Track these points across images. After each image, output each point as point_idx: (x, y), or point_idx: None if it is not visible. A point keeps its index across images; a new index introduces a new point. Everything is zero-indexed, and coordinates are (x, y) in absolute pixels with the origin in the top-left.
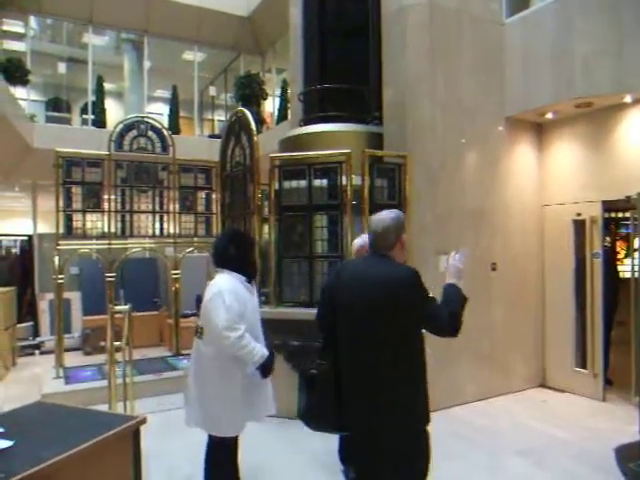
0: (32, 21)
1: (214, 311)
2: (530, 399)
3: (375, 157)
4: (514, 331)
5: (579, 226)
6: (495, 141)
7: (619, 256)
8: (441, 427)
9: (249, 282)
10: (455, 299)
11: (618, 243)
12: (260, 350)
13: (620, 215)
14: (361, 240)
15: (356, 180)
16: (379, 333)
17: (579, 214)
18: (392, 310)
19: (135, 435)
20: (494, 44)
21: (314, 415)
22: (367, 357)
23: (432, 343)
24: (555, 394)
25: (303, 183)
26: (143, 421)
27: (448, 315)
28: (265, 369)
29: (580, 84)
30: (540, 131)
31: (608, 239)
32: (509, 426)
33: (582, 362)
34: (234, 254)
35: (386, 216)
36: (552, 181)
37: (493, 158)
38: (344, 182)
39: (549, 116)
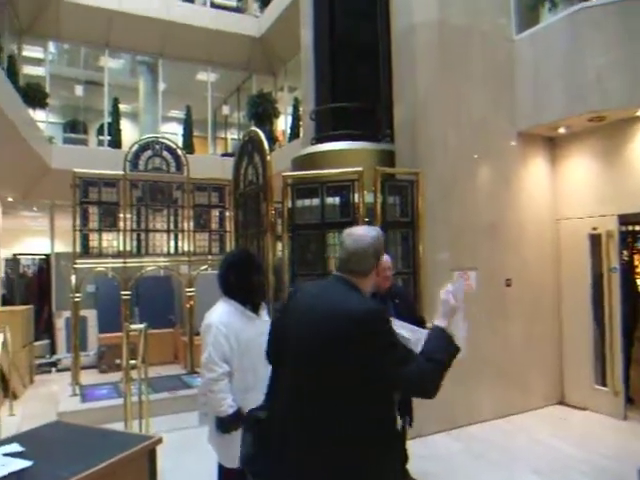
0: (51, 46)
1: (202, 344)
2: (549, 417)
3: (387, 174)
4: (531, 347)
5: (595, 240)
6: (507, 156)
7: (637, 270)
8: (458, 446)
9: (254, 309)
10: (441, 350)
11: (636, 257)
12: (227, 404)
13: (638, 228)
14: None
15: (368, 197)
16: (321, 380)
17: (595, 228)
18: (341, 354)
19: (151, 455)
20: (504, 60)
21: (256, 465)
22: (304, 408)
23: None
24: (574, 412)
25: (316, 201)
26: (159, 441)
27: (422, 371)
28: (222, 426)
29: (593, 98)
30: (553, 145)
31: (625, 253)
32: (527, 444)
33: (602, 379)
34: (234, 281)
35: (366, 234)
36: (566, 195)
37: (506, 173)
38: (356, 200)
39: (561, 130)
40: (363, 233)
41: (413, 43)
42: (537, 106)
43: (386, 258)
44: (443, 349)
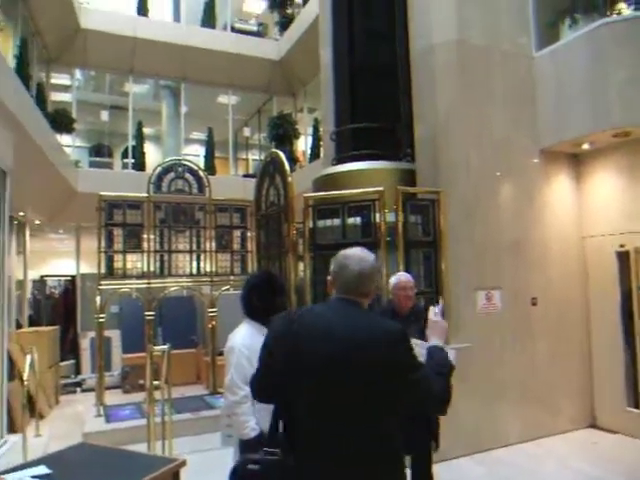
0: (77, 73)
1: (226, 366)
2: (579, 440)
3: (408, 194)
4: (559, 368)
5: (623, 257)
6: (530, 174)
7: None
8: (482, 470)
9: None
10: (444, 365)
11: None
12: (250, 427)
13: None
14: (395, 279)
15: (390, 217)
16: (364, 402)
17: (622, 245)
18: (379, 374)
19: (175, 477)
20: (525, 77)
21: None
22: (347, 432)
23: (472, 377)
24: (606, 435)
25: (337, 221)
26: (183, 464)
27: (436, 385)
28: (246, 449)
29: (617, 113)
30: (577, 162)
31: None
32: (555, 469)
33: (634, 401)
34: (256, 303)
35: (366, 255)
36: (592, 212)
37: (529, 191)
38: (378, 219)
39: (585, 147)
40: (365, 255)
41: (432, 63)
42: (560, 123)
43: (406, 277)
44: (444, 365)
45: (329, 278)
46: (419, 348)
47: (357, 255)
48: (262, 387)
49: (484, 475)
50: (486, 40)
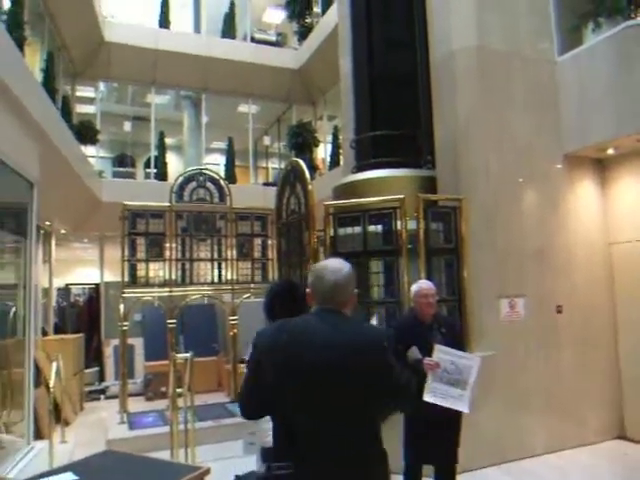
0: (101, 85)
1: None
2: (607, 452)
3: (429, 201)
4: (586, 377)
5: None
6: (553, 180)
7: None
8: None
9: None
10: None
11: None
12: (271, 436)
13: None
14: (416, 286)
15: (411, 224)
16: (356, 406)
17: None
18: (369, 379)
19: None
20: (547, 82)
21: None
22: (343, 433)
23: (496, 386)
24: (636, 447)
25: (358, 229)
26: (207, 472)
27: (413, 386)
28: (264, 456)
29: None
30: (601, 167)
31: None
32: None
33: None
34: (278, 311)
35: (343, 265)
36: (618, 218)
37: (552, 197)
38: (399, 227)
39: (610, 152)
40: (340, 266)
41: (452, 69)
42: (583, 128)
43: (427, 284)
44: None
45: (308, 290)
46: (453, 357)
47: (332, 266)
48: (252, 405)
49: None
50: (507, 45)
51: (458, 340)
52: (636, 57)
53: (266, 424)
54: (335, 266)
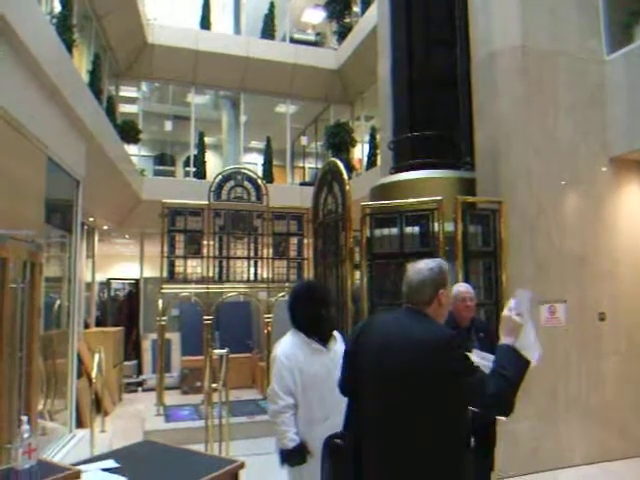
0: (143, 85)
1: (271, 374)
2: None
3: (468, 203)
4: (629, 388)
5: None
6: (598, 183)
7: None
8: None
9: (322, 341)
10: (510, 365)
11: None
12: (288, 437)
13: None
14: (454, 289)
15: (449, 227)
16: (406, 399)
17: None
18: (422, 375)
19: (234, 479)
20: (593, 82)
21: None
22: (392, 430)
23: (534, 393)
24: None
25: (394, 230)
26: (242, 465)
27: (498, 388)
28: (284, 459)
29: None
30: None
31: None
32: None
33: None
34: (300, 313)
35: (424, 267)
36: None
37: (596, 201)
38: (436, 229)
39: None
40: (422, 266)
41: (494, 70)
42: (632, 129)
43: (467, 288)
44: (513, 365)
45: None
46: (478, 358)
47: (414, 268)
48: (340, 386)
49: None
50: (552, 44)
51: (495, 345)
52: None
53: (283, 426)
54: (420, 266)
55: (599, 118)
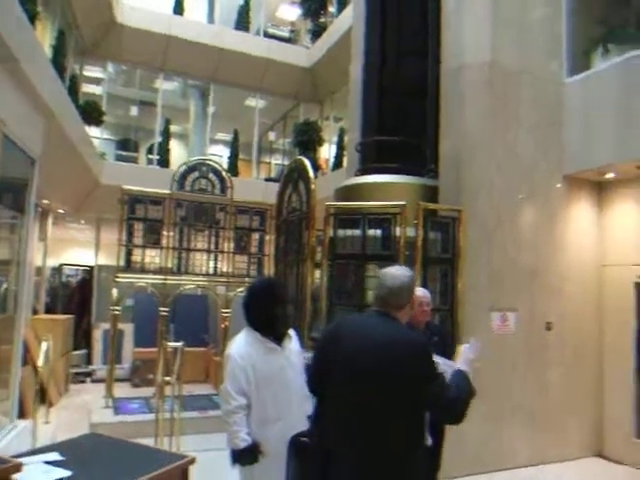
0: (109, 66)
1: (225, 373)
2: (585, 469)
3: (430, 210)
4: (570, 395)
5: None
6: (552, 199)
7: None
8: None
9: (277, 340)
10: (463, 385)
11: None
12: (240, 437)
13: None
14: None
15: (410, 232)
16: (379, 400)
17: None
18: (397, 378)
19: (184, 474)
20: (554, 103)
21: None
22: (361, 425)
23: (481, 398)
24: (612, 466)
25: (357, 232)
26: (192, 461)
27: (457, 395)
28: (235, 459)
29: None
30: (600, 190)
31: None
32: None
33: None
34: (256, 311)
35: (402, 274)
36: (612, 241)
37: (550, 216)
38: (398, 233)
39: (609, 176)
40: (400, 272)
41: (463, 82)
42: (586, 150)
43: (424, 293)
44: (466, 386)
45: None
46: (444, 366)
47: (392, 274)
48: (309, 384)
49: None
50: (518, 63)
51: (449, 350)
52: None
53: (235, 426)
54: (394, 273)
55: (556, 137)
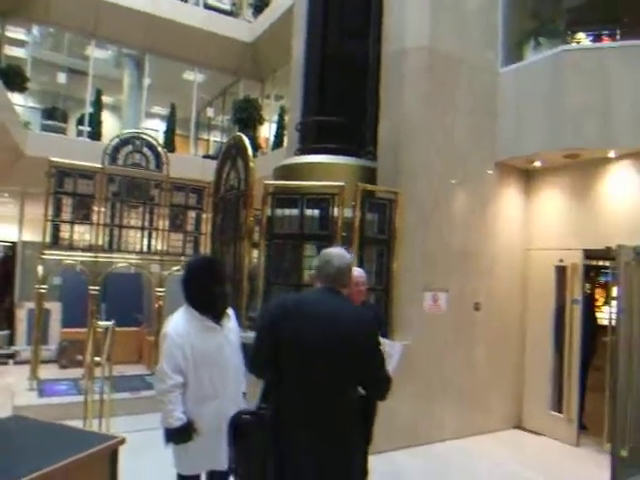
0: (35, 29)
1: (159, 352)
2: (507, 440)
3: (367, 191)
4: (494, 371)
5: (561, 272)
6: (484, 184)
7: (598, 303)
8: (417, 464)
9: (216, 318)
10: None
11: (597, 291)
12: (175, 416)
13: (600, 263)
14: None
15: (348, 212)
16: (336, 372)
17: (561, 260)
18: (345, 355)
19: (113, 455)
20: (488, 91)
21: (254, 469)
22: (321, 396)
23: (414, 374)
24: (531, 437)
25: (295, 212)
26: (122, 441)
27: (388, 376)
28: (169, 437)
29: (568, 136)
30: (528, 177)
31: (588, 286)
32: (486, 467)
33: (558, 406)
34: (195, 290)
35: (344, 253)
36: (537, 226)
37: (482, 201)
38: (336, 214)
39: (537, 164)
40: (343, 253)
41: (403, 67)
42: (516, 138)
43: (360, 272)
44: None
45: (312, 272)
46: (383, 342)
47: (338, 254)
48: (255, 362)
49: (420, 469)
50: (456, 50)
51: (383, 329)
52: (568, 80)
53: (170, 405)
54: (340, 253)
55: (490, 124)
